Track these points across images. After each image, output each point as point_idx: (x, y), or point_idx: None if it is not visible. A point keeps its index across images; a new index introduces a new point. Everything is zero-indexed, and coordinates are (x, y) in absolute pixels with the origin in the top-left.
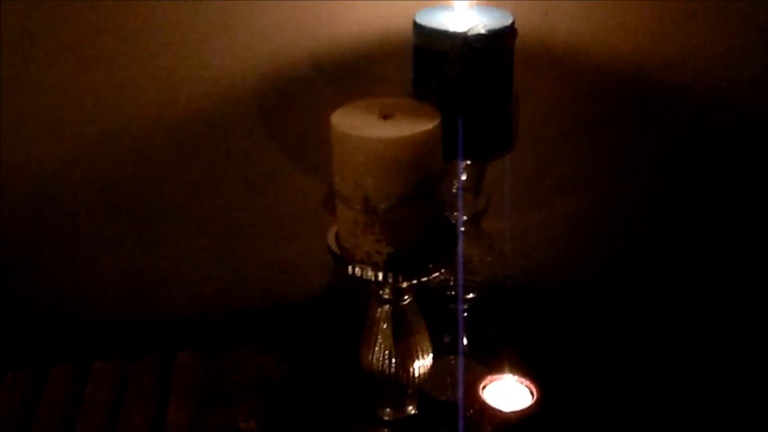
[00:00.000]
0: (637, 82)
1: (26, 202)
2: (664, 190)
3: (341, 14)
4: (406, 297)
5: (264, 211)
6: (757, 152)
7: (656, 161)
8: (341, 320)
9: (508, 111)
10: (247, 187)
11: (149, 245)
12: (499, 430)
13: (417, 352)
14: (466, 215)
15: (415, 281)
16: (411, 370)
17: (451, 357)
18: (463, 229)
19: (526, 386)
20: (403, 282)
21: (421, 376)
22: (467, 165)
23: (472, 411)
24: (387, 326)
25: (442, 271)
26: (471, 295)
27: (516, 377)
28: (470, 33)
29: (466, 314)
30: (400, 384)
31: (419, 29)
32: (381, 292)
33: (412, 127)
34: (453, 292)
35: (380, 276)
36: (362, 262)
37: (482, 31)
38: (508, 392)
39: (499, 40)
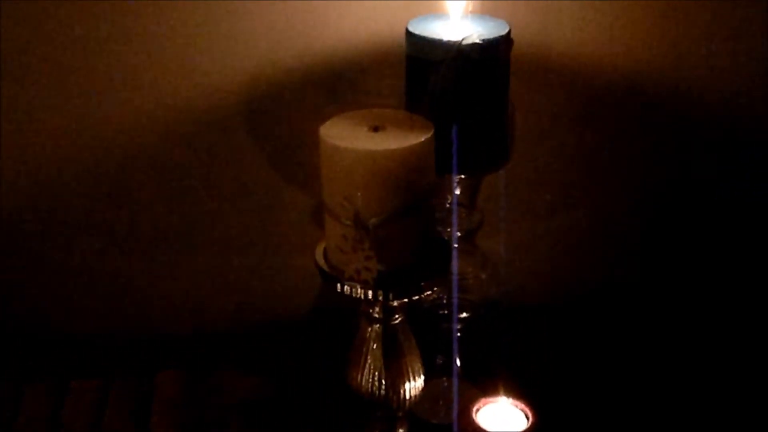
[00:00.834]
0: (635, 93)
1: (4, 220)
2: (663, 204)
3: (333, 23)
4: (397, 316)
5: (250, 225)
6: (757, 158)
7: (655, 174)
8: (329, 339)
9: (504, 123)
10: (233, 201)
11: (130, 261)
12: None
13: (408, 373)
14: (460, 231)
15: (406, 300)
16: (402, 392)
17: (444, 378)
18: (456, 245)
19: (521, 409)
20: (393, 300)
21: (413, 399)
22: (461, 179)
23: None
24: (377, 346)
25: (435, 289)
26: (464, 315)
27: (511, 400)
28: (465, 42)
29: (459, 334)
30: (391, 406)
31: (412, 38)
32: (371, 310)
33: (404, 139)
34: (446, 311)
35: (370, 294)
36: (352, 280)
37: (477, 41)
38: (502, 415)
39: (494, 49)
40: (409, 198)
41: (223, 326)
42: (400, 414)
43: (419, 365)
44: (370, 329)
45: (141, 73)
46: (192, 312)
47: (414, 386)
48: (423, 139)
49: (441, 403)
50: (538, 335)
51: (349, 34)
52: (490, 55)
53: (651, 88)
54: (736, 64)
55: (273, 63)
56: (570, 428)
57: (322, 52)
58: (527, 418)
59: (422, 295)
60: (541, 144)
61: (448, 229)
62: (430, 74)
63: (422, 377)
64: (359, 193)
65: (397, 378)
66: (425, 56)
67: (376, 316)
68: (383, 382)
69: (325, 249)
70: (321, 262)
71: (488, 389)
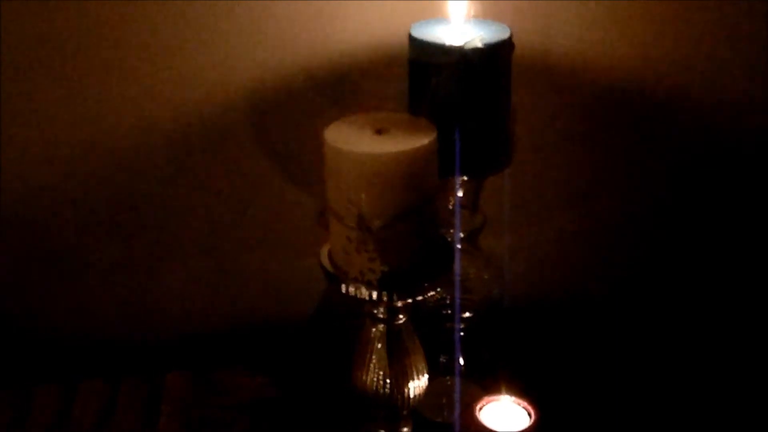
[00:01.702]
0: (637, 95)
1: (11, 222)
2: (666, 205)
3: (336, 27)
4: (400, 316)
5: (255, 226)
6: (758, 162)
7: (657, 175)
8: (334, 340)
9: (506, 125)
10: (238, 203)
11: (137, 264)
12: None
13: (412, 372)
14: (463, 232)
15: (410, 300)
16: (406, 391)
17: (447, 378)
18: (459, 246)
19: (524, 408)
20: (397, 301)
21: (416, 398)
22: (464, 181)
23: None
24: (381, 346)
25: (438, 289)
26: (467, 314)
27: (513, 398)
28: (467, 46)
29: (462, 334)
30: (395, 405)
31: (415, 43)
32: (375, 311)
33: (407, 142)
34: (449, 311)
35: (374, 295)
36: (356, 281)
37: (479, 45)
38: (505, 414)
39: (496, 53)
40: (412, 200)
41: (230, 327)
42: (405, 412)
43: (423, 364)
44: (374, 329)
45: (145, 77)
46: (200, 313)
47: (418, 385)
48: (426, 142)
49: (444, 401)
50: (540, 334)
51: (352, 38)
52: (492, 58)
53: (652, 90)
54: (737, 66)
55: (277, 67)
56: (572, 427)
57: (326, 56)
58: (530, 417)
59: (425, 296)
60: (542, 146)
61: (451, 231)
62: (433, 78)
63: (426, 376)
64: (363, 196)
65: (401, 377)
66: (428, 60)
67: (381, 316)
68: (388, 381)
69: (329, 251)
70: (326, 263)
71: (491, 388)
